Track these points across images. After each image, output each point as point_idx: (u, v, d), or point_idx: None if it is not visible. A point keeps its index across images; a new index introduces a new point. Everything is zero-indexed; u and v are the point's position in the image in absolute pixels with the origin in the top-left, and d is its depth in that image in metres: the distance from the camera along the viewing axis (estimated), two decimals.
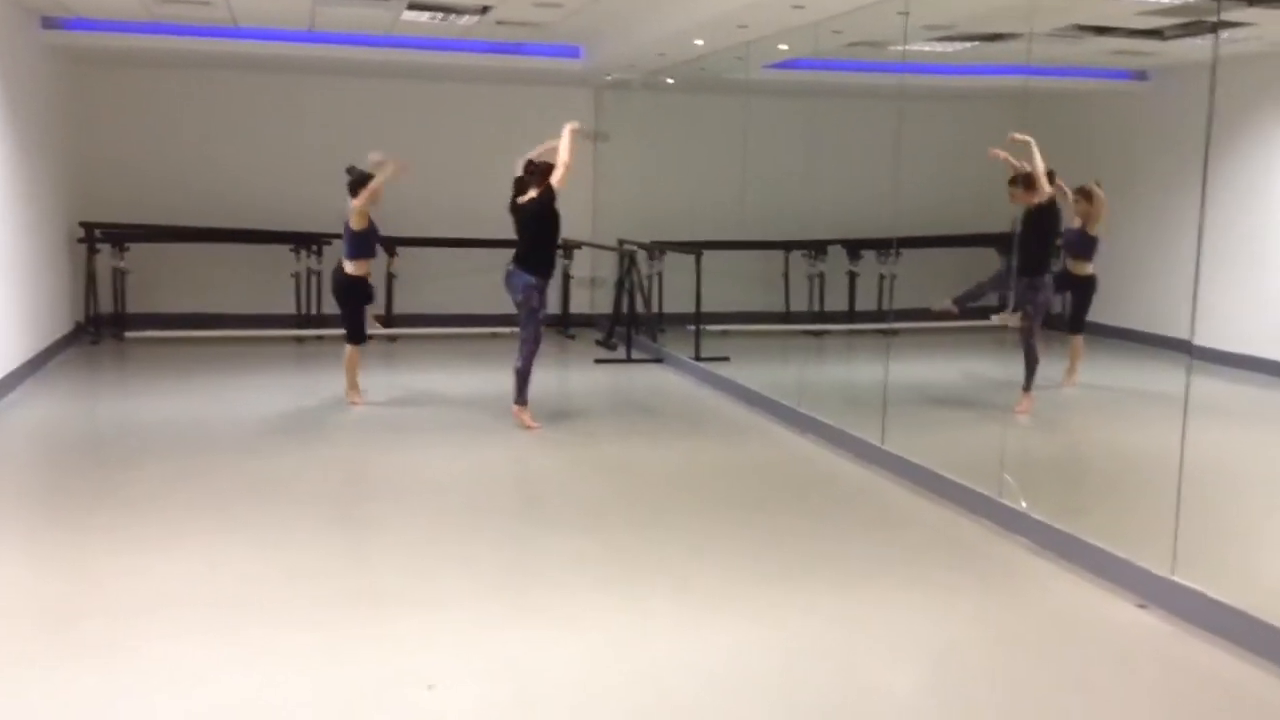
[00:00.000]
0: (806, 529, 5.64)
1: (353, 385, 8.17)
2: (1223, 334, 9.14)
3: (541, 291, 7.36)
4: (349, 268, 7.93)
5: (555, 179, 7.25)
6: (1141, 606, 4.55)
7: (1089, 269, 8.64)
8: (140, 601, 4.43)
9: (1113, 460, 7.28)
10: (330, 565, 4.88)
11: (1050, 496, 5.62)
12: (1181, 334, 8.15)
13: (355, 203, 7.80)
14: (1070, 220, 8.44)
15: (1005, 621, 4.47)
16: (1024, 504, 5.42)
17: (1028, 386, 7.83)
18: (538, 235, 7.36)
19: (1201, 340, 8.62)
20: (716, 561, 5.06)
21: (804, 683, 3.86)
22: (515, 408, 7.49)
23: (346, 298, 8.05)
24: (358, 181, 7.85)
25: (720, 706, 3.66)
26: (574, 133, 7.30)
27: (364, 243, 7.97)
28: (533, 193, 7.31)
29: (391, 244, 11.37)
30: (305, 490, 6.08)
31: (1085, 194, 8.50)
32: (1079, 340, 8.82)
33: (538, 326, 7.36)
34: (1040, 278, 7.74)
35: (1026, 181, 7.66)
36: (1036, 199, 7.64)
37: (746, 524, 5.66)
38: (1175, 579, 4.48)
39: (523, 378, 7.44)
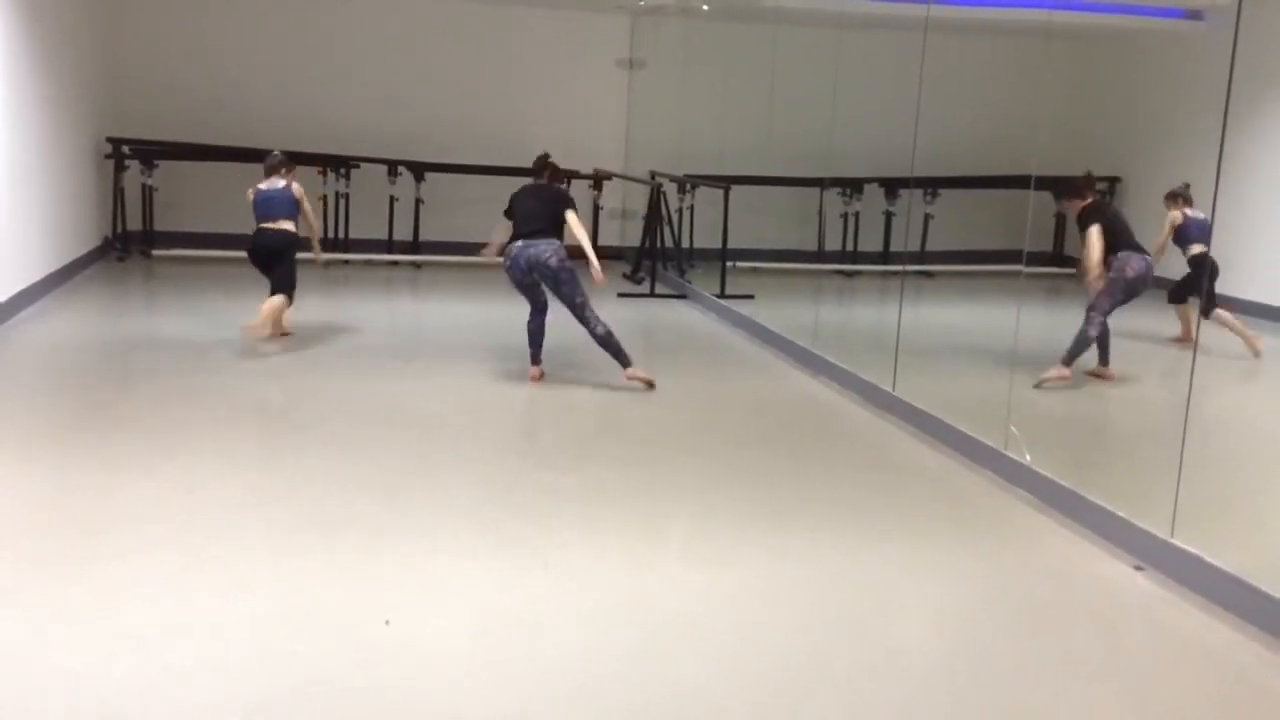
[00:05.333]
0: (800, 471, 5.52)
1: (276, 324, 7.72)
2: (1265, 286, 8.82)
3: (572, 258, 6.89)
4: (292, 226, 7.68)
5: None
6: (1138, 568, 4.40)
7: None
8: (111, 518, 4.43)
9: (1129, 418, 7.08)
10: (308, 492, 4.84)
11: (1060, 452, 5.46)
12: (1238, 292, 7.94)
13: (298, 187, 7.78)
14: None
15: (996, 576, 4.34)
16: (1028, 457, 5.26)
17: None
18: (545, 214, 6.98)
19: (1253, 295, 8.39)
20: (699, 501, 4.96)
21: (777, 626, 3.76)
22: (627, 372, 6.85)
23: (293, 256, 7.75)
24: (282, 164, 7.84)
25: (682, 649, 3.58)
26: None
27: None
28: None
29: (420, 169, 11.30)
30: (297, 417, 6.05)
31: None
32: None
33: (583, 290, 6.86)
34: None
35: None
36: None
37: (739, 465, 5.55)
38: (1173, 541, 4.32)
39: (608, 343, 6.83)
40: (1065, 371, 7.12)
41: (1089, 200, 7.44)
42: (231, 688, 3.20)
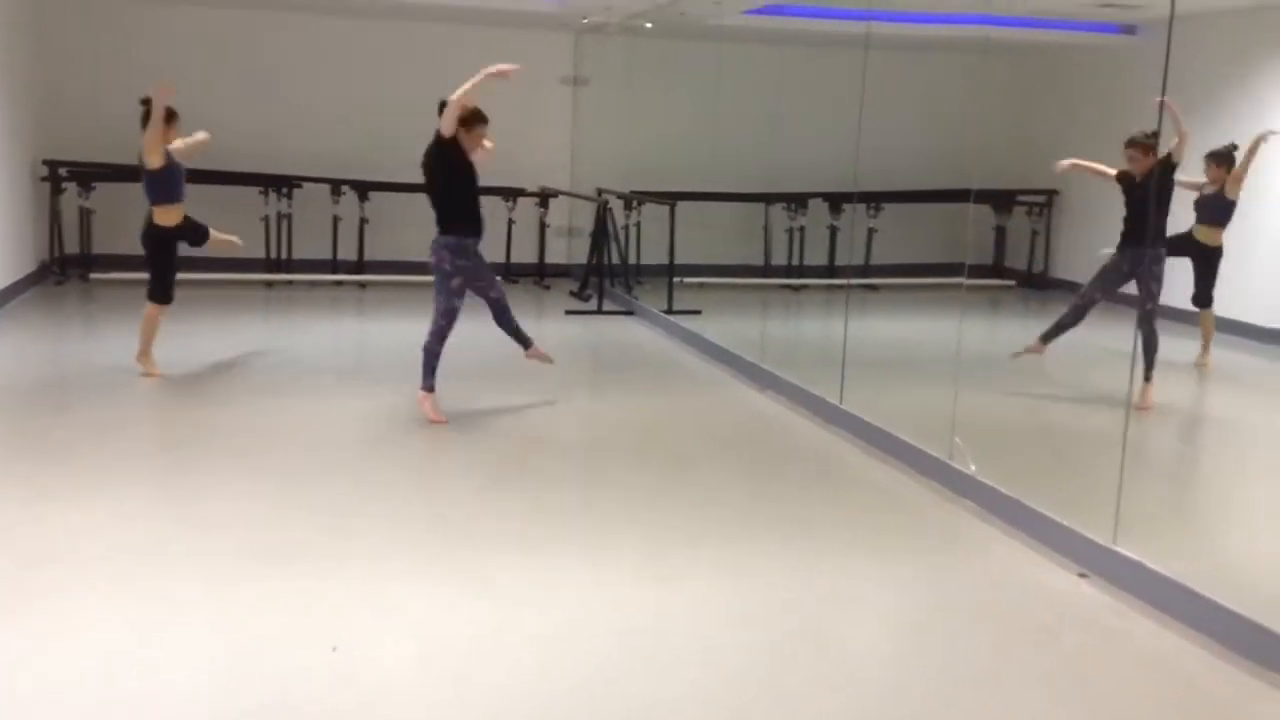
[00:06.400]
0: (750, 487, 5.53)
1: (146, 351, 7.09)
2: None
3: (452, 251, 6.26)
4: (156, 215, 6.96)
5: (442, 125, 6.23)
6: (1082, 575, 4.45)
7: (1221, 237, 7.92)
8: (45, 551, 4.32)
9: (1072, 429, 7.18)
10: (249, 519, 4.76)
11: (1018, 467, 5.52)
12: (1180, 303, 8.06)
13: (145, 137, 6.78)
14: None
15: (943, 586, 4.37)
16: (973, 468, 5.31)
17: (1149, 376, 6.93)
18: (430, 190, 6.42)
19: (1179, 303, 8.54)
20: (648, 520, 4.95)
21: (723, 645, 3.76)
22: (421, 393, 6.32)
23: (155, 250, 7.05)
24: (146, 113, 6.79)
25: (635, 669, 3.56)
26: (490, 76, 6.11)
27: (165, 185, 6.95)
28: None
29: (364, 188, 11.22)
30: (238, 442, 5.93)
31: (1221, 156, 7.86)
32: (1210, 315, 8.09)
33: (448, 297, 6.29)
34: (1160, 249, 6.91)
35: (1145, 146, 6.90)
36: (1155, 161, 6.83)
37: (686, 482, 5.55)
38: (1116, 548, 4.38)
39: (429, 356, 6.30)
40: (1151, 394, 6.95)
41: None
42: (174, 718, 3.14)
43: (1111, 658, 3.83)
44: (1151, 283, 6.87)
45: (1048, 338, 7.39)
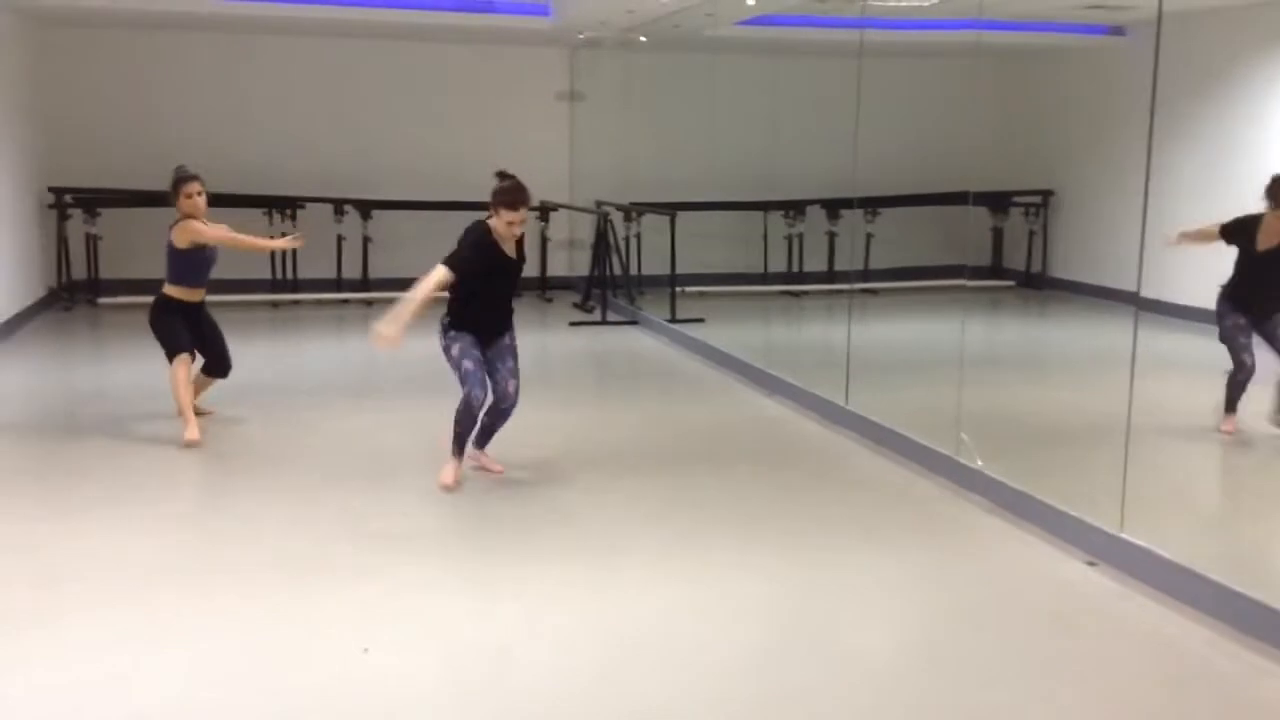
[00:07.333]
0: (760, 489, 5.62)
1: (181, 411, 6.19)
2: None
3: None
4: (167, 289, 6.33)
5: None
6: (1091, 564, 4.54)
7: None
8: (66, 570, 4.41)
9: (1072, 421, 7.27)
10: (270, 533, 4.85)
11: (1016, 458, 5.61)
12: (1176, 298, 8.10)
13: (183, 218, 6.24)
14: None
15: (954, 579, 4.46)
16: (979, 462, 5.41)
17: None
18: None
19: (1175, 298, 8.62)
20: (662, 523, 5.04)
21: (742, 643, 3.85)
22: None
23: (158, 317, 6.31)
24: (178, 183, 6.30)
25: (653, 664, 3.66)
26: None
27: (188, 268, 6.30)
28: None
29: (366, 207, 11.34)
30: (254, 459, 6.03)
31: None
32: None
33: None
34: None
35: None
36: None
37: (699, 485, 5.64)
38: (1123, 536, 4.47)
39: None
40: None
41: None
42: None
43: (1120, 640, 3.93)
44: None
45: (1232, 405, 6.42)
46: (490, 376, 5.46)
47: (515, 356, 5.60)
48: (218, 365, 6.61)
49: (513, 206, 5.27)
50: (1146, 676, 3.69)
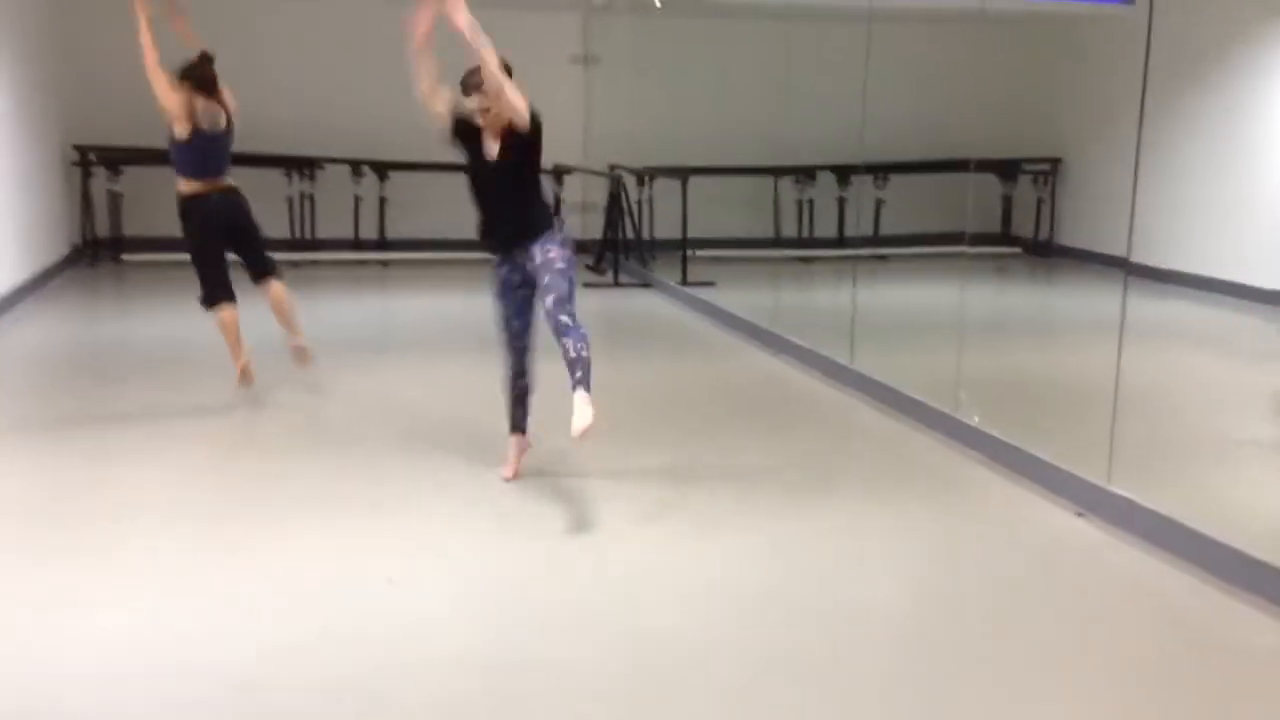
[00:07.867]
0: (767, 443, 5.83)
1: (235, 357, 6.10)
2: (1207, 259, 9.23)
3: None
4: (179, 185, 6.03)
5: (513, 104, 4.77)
6: (1079, 514, 4.75)
7: None
8: (114, 507, 4.67)
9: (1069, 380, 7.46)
10: (300, 476, 5.10)
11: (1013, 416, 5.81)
12: (1174, 264, 8.24)
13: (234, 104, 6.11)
14: None
15: (950, 529, 4.67)
16: (976, 419, 5.61)
17: None
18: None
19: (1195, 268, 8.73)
20: (665, 476, 5.22)
21: (742, 593, 4.05)
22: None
23: (184, 228, 6.05)
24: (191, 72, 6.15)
25: (650, 615, 3.88)
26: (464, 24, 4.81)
27: (179, 157, 6.00)
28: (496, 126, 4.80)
29: (384, 168, 11.51)
30: (283, 409, 6.26)
31: None
32: None
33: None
34: None
35: None
36: None
37: (707, 440, 5.85)
38: (1111, 488, 4.67)
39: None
40: None
41: None
42: (249, 645, 3.47)
43: (1107, 588, 4.14)
44: None
45: None
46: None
47: (557, 284, 4.46)
48: (259, 265, 6.27)
49: (464, 91, 4.57)
50: (1131, 620, 3.91)
